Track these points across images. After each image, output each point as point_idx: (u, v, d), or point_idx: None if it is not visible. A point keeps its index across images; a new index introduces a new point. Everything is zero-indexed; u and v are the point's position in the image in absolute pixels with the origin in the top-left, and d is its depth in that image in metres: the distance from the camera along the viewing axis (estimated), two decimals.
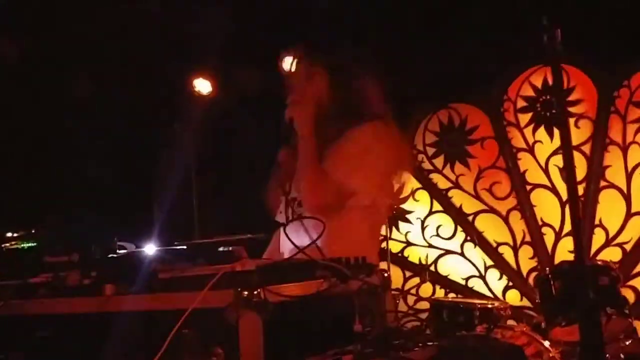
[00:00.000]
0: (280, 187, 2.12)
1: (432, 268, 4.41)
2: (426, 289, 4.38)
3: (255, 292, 1.22)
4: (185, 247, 1.86)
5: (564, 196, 4.08)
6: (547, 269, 3.00)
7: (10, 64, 4.12)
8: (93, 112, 4.65)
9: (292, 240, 1.54)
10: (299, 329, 1.35)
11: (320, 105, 2.03)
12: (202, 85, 4.94)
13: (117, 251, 1.55)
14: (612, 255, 3.85)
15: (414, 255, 4.47)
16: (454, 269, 4.38)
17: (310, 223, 1.81)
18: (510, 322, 3.09)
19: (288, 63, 2.22)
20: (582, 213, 4.00)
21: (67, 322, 1.49)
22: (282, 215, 2.14)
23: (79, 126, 4.58)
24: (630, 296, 3.74)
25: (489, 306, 3.23)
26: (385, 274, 1.58)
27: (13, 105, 4.24)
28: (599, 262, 2.95)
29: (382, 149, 2.00)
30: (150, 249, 1.69)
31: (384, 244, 4.54)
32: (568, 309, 2.73)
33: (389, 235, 4.48)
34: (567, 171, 1.37)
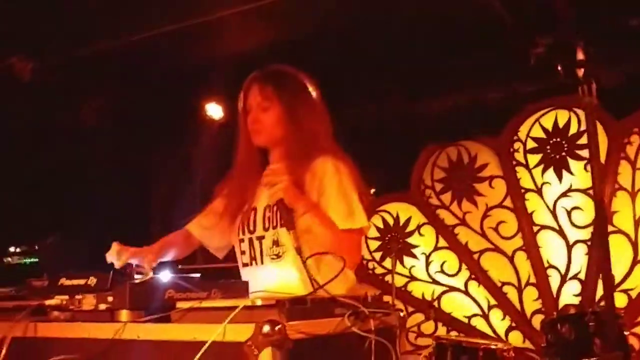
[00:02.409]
0: (241, 225, 2.13)
1: (435, 304, 4.39)
2: (427, 326, 4.36)
3: (277, 328, 1.21)
4: (199, 275, 1.86)
5: (571, 239, 4.08)
6: (555, 312, 2.98)
7: (26, 81, 4.14)
8: (102, 133, 4.68)
9: (312, 277, 1.53)
10: None
11: (277, 139, 2.06)
12: (214, 111, 4.98)
13: (135, 276, 1.55)
14: (617, 301, 3.82)
15: (417, 290, 4.45)
16: (457, 306, 4.36)
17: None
18: None
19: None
20: (588, 256, 4.00)
21: (81, 346, 1.48)
22: (245, 255, 2.12)
23: (87, 146, 4.61)
24: (634, 343, 3.71)
25: (492, 347, 3.20)
26: (402, 314, 1.57)
27: (25, 120, 4.26)
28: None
29: (349, 181, 2.02)
30: (165, 275, 1.68)
31: (387, 278, 4.56)
32: (575, 354, 2.71)
33: (393, 269, 4.49)
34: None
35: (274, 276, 1.95)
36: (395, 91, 4.52)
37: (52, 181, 4.37)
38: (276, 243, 2.00)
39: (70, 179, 4.48)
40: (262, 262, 2.06)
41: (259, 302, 1.31)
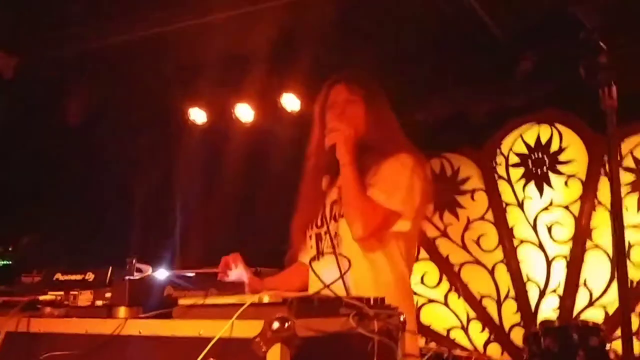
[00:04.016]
0: (308, 221, 2.13)
1: (414, 317, 4.39)
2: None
3: (286, 325, 1.20)
4: (194, 274, 1.84)
5: (551, 254, 4.13)
6: (538, 325, 3.01)
7: (8, 77, 4.06)
8: (82, 133, 4.61)
9: (318, 275, 1.52)
10: None
11: (358, 135, 2.05)
12: (197, 115, 4.94)
13: (134, 273, 1.52)
14: (595, 316, 3.88)
15: None
16: (436, 318, 4.37)
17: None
18: None
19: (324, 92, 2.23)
20: (567, 271, 4.05)
21: (78, 343, 1.45)
22: (312, 249, 2.12)
23: (66, 146, 4.53)
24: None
25: (473, 358, 3.23)
26: (402, 317, 1.56)
27: (5, 116, 4.17)
28: (590, 323, 2.96)
29: (417, 178, 2.03)
30: (162, 273, 1.66)
31: None
32: None
33: None
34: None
35: (334, 267, 1.92)
36: None
37: (30, 181, 4.28)
38: (336, 235, 2.01)
39: (48, 179, 4.40)
40: (323, 255, 2.06)
41: (266, 299, 1.29)
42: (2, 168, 4.09)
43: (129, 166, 4.87)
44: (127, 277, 1.48)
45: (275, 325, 1.20)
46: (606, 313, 3.93)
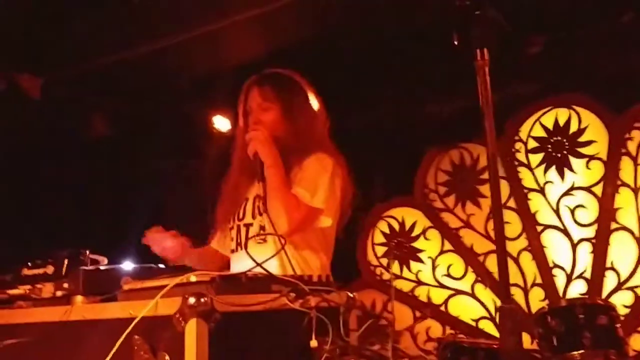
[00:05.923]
0: (230, 215, 2.19)
1: (443, 308, 4.37)
2: (435, 330, 4.34)
3: (203, 300, 1.26)
4: (162, 265, 1.93)
5: (575, 238, 4.03)
6: (547, 305, 2.94)
7: (36, 98, 4.26)
8: (107, 148, 4.77)
9: (253, 258, 1.58)
10: (250, 340, 1.37)
11: (278, 137, 2.11)
12: (221, 123, 5.06)
13: (89, 264, 1.61)
14: (624, 299, 3.76)
15: (425, 294, 4.44)
16: (464, 309, 4.33)
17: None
18: None
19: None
20: (593, 255, 3.95)
21: (38, 330, 1.55)
22: (233, 242, 2.19)
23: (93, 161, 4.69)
24: None
25: (494, 346, 3.18)
26: (351, 295, 1.60)
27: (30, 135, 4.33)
28: (599, 301, 2.88)
29: (337, 177, 2.09)
30: (127, 265, 1.75)
31: (394, 283, 4.55)
32: (565, 348, 2.68)
33: (400, 274, 4.48)
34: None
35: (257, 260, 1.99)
36: (396, 96, 4.54)
37: (58, 196, 4.45)
38: (263, 228, 2.07)
39: (73, 194, 4.54)
40: (246, 247, 2.13)
41: (193, 279, 1.36)
42: (32, 187, 4.26)
43: (157, 179, 5.01)
44: (81, 268, 1.58)
45: (192, 300, 1.26)
46: (635, 295, 3.80)
